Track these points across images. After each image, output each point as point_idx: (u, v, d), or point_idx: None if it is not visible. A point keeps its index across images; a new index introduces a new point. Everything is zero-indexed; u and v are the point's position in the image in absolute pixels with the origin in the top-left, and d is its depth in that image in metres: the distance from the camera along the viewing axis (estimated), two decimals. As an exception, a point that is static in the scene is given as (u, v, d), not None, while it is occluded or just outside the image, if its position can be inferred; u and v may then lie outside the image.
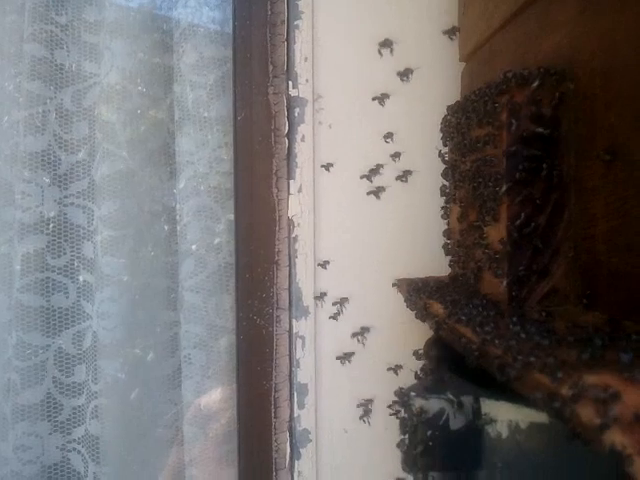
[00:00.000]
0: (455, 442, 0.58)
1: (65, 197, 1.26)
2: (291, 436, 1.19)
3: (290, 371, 1.19)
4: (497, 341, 0.53)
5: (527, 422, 0.54)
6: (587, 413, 0.39)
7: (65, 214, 1.26)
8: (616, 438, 0.36)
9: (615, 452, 0.36)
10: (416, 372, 0.80)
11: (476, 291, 0.76)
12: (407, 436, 0.60)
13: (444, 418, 0.58)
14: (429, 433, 0.58)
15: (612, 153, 0.59)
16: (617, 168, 0.59)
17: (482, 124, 0.73)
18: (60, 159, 1.25)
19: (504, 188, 0.68)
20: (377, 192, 1.18)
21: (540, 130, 0.66)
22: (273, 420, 1.18)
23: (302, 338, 1.18)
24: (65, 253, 1.26)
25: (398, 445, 0.62)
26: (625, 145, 0.57)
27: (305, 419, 1.19)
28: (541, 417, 0.51)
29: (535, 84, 0.66)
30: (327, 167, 1.18)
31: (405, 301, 0.91)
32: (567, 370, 0.42)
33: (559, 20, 0.69)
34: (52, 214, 1.25)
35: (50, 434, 1.25)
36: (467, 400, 0.58)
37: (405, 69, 1.17)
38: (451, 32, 1.13)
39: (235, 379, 1.22)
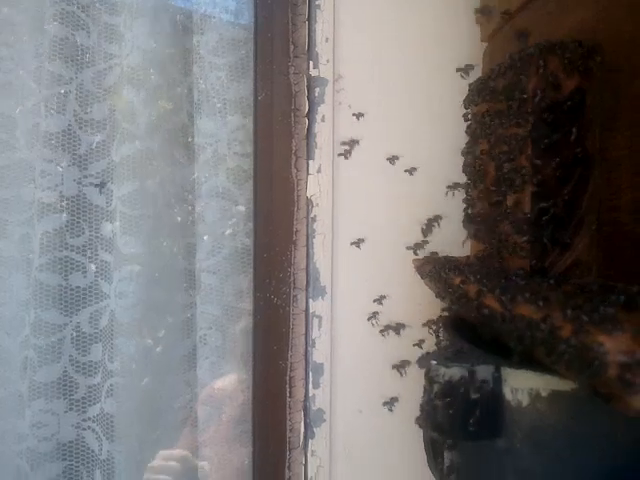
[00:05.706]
0: (475, 410, 0.57)
1: (84, 177, 1.26)
2: (305, 415, 1.19)
3: (306, 351, 1.19)
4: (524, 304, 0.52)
5: (548, 390, 0.54)
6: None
7: (84, 194, 1.26)
8: None
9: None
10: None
11: (500, 265, 0.75)
12: (426, 403, 0.59)
13: (464, 386, 0.57)
14: (449, 401, 0.57)
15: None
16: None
17: (507, 96, 0.72)
18: (80, 139, 1.26)
19: (529, 161, 0.67)
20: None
21: (566, 102, 0.65)
22: (288, 399, 1.19)
23: (319, 318, 1.19)
24: (84, 233, 1.26)
25: (420, 410, 0.62)
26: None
27: (320, 399, 1.19)
28: (563, 385, 0.51)
29: (565, 55, 0.66)
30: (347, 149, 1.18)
31: (424, 278, 0.91)
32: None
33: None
34: (71, 194, 1.25)
35: (66, 412, 1.26)
36: (488, 369, 0.58)
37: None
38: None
39: (250, 359, 1.22)
